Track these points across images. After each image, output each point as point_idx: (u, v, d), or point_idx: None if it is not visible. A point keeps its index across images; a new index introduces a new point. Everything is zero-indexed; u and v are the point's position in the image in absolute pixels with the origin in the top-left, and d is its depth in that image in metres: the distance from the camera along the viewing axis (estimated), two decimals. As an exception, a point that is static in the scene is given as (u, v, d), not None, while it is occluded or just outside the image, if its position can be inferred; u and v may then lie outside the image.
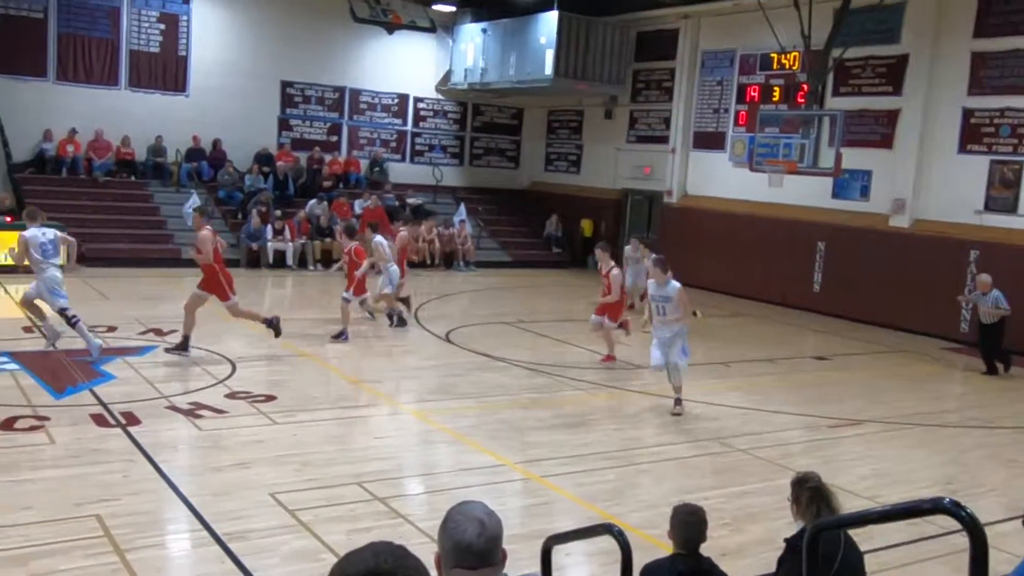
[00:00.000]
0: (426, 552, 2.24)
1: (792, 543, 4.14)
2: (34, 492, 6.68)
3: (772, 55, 19.47)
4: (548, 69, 21.72)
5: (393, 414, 9.93)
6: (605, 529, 4.15)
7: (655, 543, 5.86)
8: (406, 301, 14.82)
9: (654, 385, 11.44)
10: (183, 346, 11.21)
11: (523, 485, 7.75)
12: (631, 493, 7.71)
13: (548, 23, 21.76)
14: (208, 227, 11.58)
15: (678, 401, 10.21)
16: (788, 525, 4.57)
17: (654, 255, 11.53)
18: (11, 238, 17.12)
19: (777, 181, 17.36)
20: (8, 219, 17.79)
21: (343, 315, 13.05)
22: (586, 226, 24.25)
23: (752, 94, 20.45)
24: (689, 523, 4.33)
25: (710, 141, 21.60)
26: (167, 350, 11.26)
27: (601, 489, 7.71)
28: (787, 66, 19.31)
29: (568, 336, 13.85)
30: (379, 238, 14.30)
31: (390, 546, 1.95)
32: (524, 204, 26.31)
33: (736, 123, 20.93)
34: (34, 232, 10.77)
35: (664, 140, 22.67)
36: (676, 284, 10.07)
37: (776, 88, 19.87)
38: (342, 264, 13.94)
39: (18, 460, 7.33)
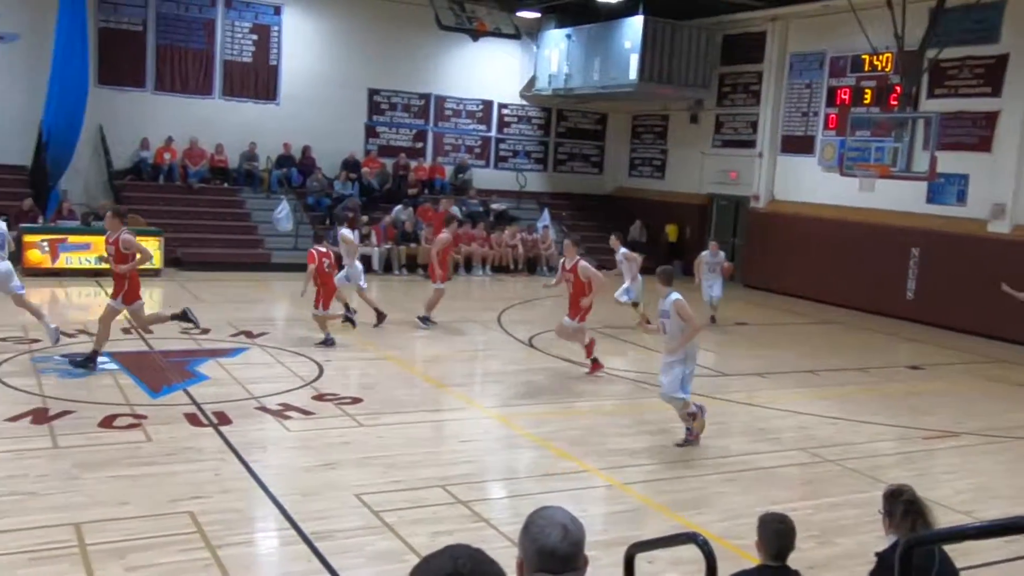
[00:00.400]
0: (508, 556, 2.25)
1: (884, 557, 4.03)
2: (131, 488, 6.91)
3: (863, 56, 18.98)
4: (633, 74, 21.60)
5: (477, 418, 9.98)
6: (689, 538, 4.07)
7: (740, 553, 5.76)
8: (371, 305, 14.19)
9: (740, 392, 11.28)
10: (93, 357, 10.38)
11: (605, 492, 7.70)
12: (716, 502, 7.60)
13: (633, 27, 21.64)
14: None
15: (688, 431, 8.93)
16: (878, 539, 4.44)
17: (661, 266, 9.45)
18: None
19: (868, 186, 16.92)
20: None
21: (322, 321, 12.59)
22: (671, 231, 23.99)
23: (843, 97, 19.97)
24: (780, 532, 4.23)
25: (798, 145, 21.18)
26: (76, 363, 10.45)
27: (685, 497, 7.62)
28: (879, 68, 18.81)
29: (652, 343, 13.72)
30: (344, 231, 14.10)
31: (468, 550, 1.95)
32: (608, 209, 26.15)
33: (826, 126, 20.48)
34: None
35: (751, 144, 22.32)
36: (674, 296, 8.71)
37: (868, 90, 19.36)
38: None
39: (117, 457, 7.60)
